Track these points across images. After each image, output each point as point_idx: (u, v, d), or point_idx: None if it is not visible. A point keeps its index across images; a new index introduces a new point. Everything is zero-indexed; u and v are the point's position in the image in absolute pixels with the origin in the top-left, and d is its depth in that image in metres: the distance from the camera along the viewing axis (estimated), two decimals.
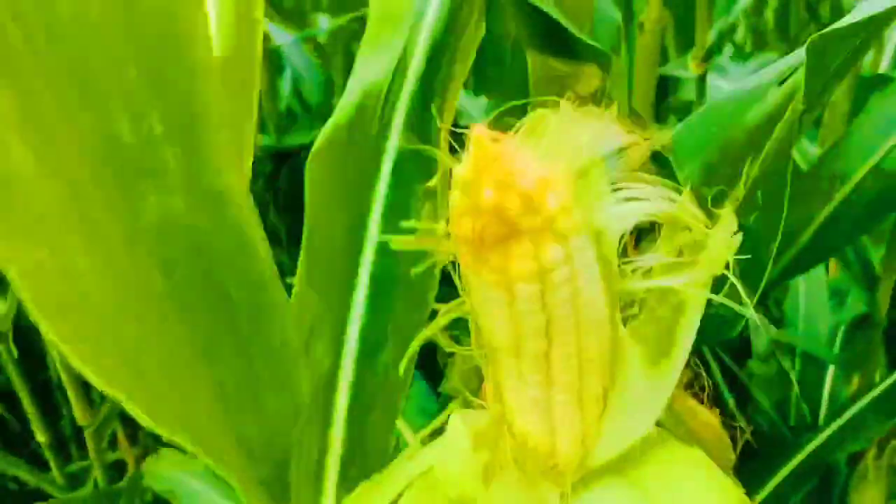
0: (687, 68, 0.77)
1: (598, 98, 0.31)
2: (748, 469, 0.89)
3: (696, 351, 0.71)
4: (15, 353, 1.05)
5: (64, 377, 1.03)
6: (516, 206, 0.17)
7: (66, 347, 0.18)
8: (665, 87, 0.92)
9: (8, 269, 0.16)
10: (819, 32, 0.32)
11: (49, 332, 0.17)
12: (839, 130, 0.84)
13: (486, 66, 0.43)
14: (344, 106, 0.31)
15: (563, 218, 0.18)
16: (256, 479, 0.25)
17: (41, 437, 1.08)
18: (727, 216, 0.24)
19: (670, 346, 0.25)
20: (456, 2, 0.30)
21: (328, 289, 0.29)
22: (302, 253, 0.31)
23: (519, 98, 0.26)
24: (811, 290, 0.95)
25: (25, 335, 1.21)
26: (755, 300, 0.33)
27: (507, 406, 0.25)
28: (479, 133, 0.16)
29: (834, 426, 0.80)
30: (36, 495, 1.19)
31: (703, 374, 0.27)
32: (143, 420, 0.22)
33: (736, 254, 0.24)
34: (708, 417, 0.27)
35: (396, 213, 0.30)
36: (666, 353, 0.25)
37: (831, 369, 0.94)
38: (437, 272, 0.27)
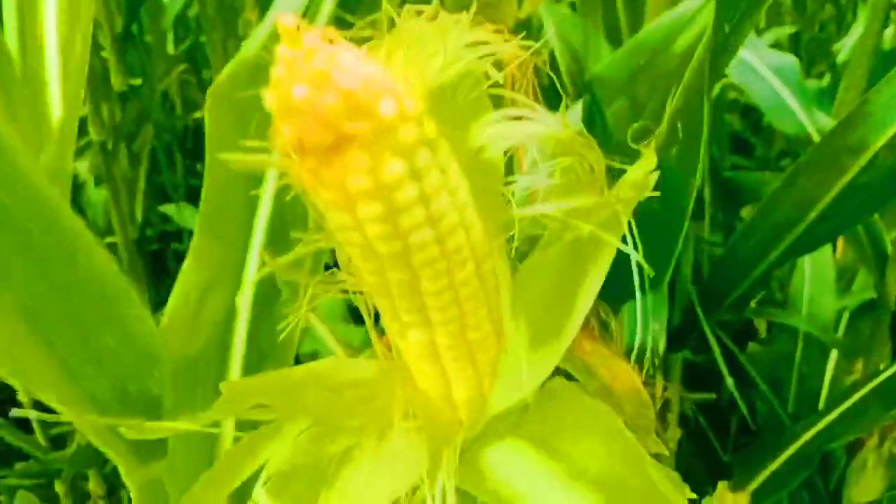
0: None
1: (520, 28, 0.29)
2: (747, 453, 0.87)
3: (699, 332, 0.68)
4: None
5: None
6: (337, 107, 0.15)
7: None
8: None
9: None
10: None
11: None
12: (854, 104, 0.79)
13: None
14: (252, 42, 0.29)
15: (404, 128, 0.16)
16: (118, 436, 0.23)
17: (23, 396, 1.09)
18: (649, 153, 0.22)
19: (575, 286, 0.23)
20: None
21: (227, 235, 0.27)
22: (202, 202, 0.29)
23: None
24: (817, 272, 0.91)
25: None
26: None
27: (398, 352, 0.23)
28: (285, 24, 0.14)
29: (835, 413, 0.77)
30: (18, 457, 1.21)
31: (613, 324, 0.25)
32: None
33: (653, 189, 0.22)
34: (624, 371, 0.25)
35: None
36: (570, 295, 0.22)
37: (834, 354, 0.91)
38: None
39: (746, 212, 0.89)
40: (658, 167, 0.22)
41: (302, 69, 0.15)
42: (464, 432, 0.24)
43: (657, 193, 0.22)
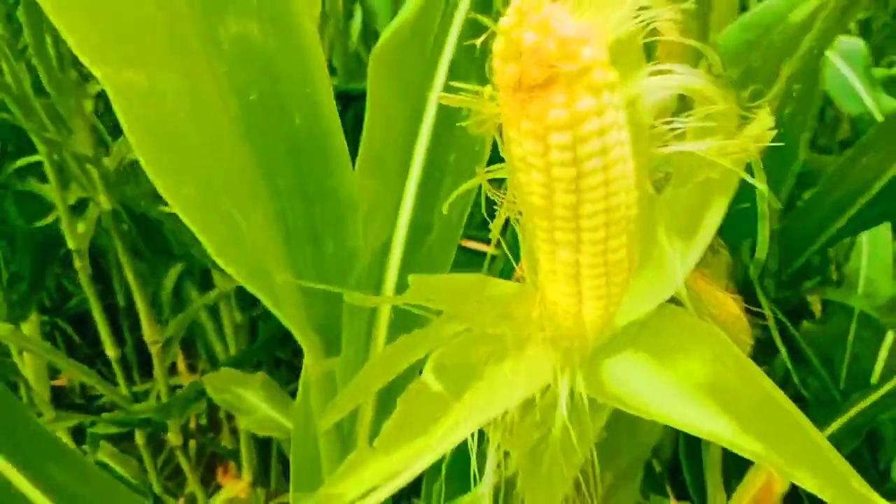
0: None
1: None
2: None
3: (752, 310, 0.72)
4: (90, 270, 1.13)
5: (137, 296, 1.11)
6: (554, 51, 0.19)
7: (148, 166, 0.21)
8: None
9: (107, 87, 0.19)
10: None
11: (136, 148, 0.20)
12: None
13: None
14: (408, 7, 0.33)
15: (596, 70, 0.20)
16: (311, 324, 0.28)
17: (111, 351, 1.16)
18: (764, 112, 0.26)
19: (698, 222, 0.27)
20: None
21: (384, 176, 0.31)
22: (362, 145, 0.33)
23: None
24: (875, 254, 0.93)
25: (96, 262, 1.30)
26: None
27: (540, 272, 0.28)
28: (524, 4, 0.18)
29: (883, 390, 0.79)
30: (103, 410, 1.29)
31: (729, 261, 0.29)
32: (210, 250, 0.25)
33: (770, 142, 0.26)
34: (728, 302, 0.29)
35: (450, 110, 0.32)
36: (693, 230, 0.27)
37: (889, 336, 0.92)
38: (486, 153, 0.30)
39: (807, 194, 0.91)
40: (774, 125, 0.26)
41: (530, 20, 0.19)
42: (590, 344, 0.28)
43: (776, 144, 0.25)
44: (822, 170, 0.73)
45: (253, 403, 0.82)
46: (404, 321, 0.31)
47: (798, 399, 0.98)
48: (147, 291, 1.14)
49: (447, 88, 0.32)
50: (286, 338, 1.28)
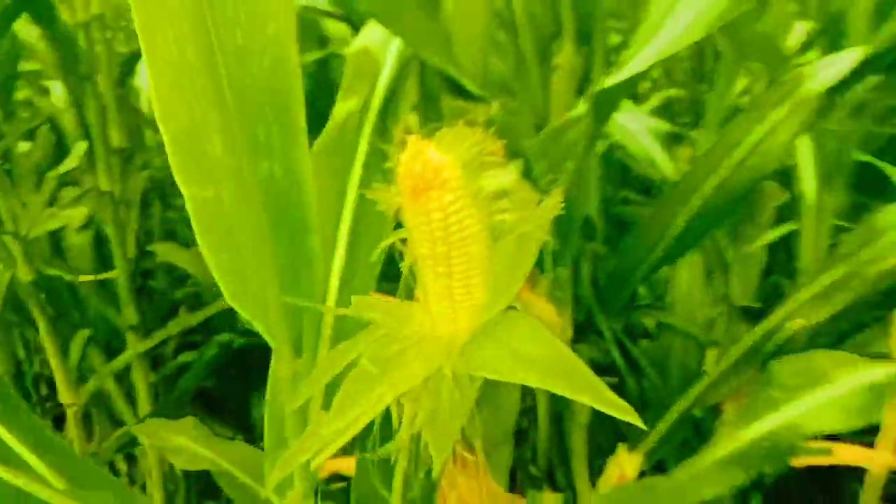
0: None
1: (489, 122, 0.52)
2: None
3: (598, 330, 0.94)
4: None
5: (54, 360, 1.18)
6: (430, 173, 0.36)
7: (209, 255, 0.36)
8: None
9: (187, 201, 0.34)
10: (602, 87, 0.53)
11: (202, 245, 0.35)
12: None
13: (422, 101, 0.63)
14: (332, 123, 0.50)
15: (452, 180, 0.38)
16: (287, 341, 0.43)
17: None
18: (556, 192, 0.45)
19: (521, 260, 0.45)
20: (400, 68, 0.50)
21: (325, 236, 0.48)
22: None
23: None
24: (690, 281, 1.18)
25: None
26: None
27: (428, 295, 0.45)
28: (412, 138, 0.36)
29: (699, 386, 1.02)
30: None
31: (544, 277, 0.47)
32: (225, 292, 0.41)
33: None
34: (545, 306, 0.47)
35: (364, 186, 0.49)
36: (518, 264, 0.45)
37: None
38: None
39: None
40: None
41: (417, 158, 0.36)
42: (462, 338, 0.45)
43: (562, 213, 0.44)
44: (635, 219, 0.95)
45: (184, 444, 0.93)
46: (342, 333, 0.46)
47: (643, 402, 1.20)
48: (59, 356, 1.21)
49: (363, 178, 0.50)
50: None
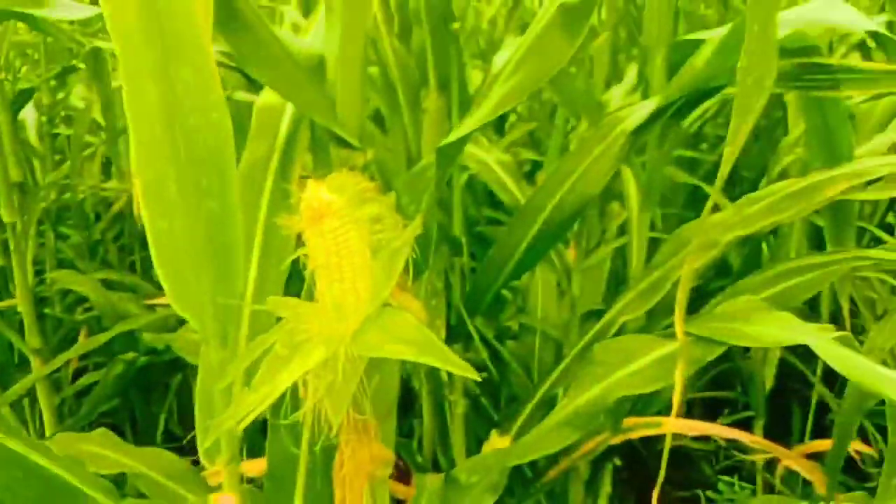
0: None
1: (366, 166, 0.68)
2: (508, 411, 1.30)
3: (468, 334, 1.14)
4: None
5: None
6: (322, 206, 0.52)
7: (160, 269, 0.50)
8: None
9: (148, 230, 0.47)
10: (446, 143, 0.72)
11: (157, 263, 0.49)
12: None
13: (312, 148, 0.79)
14: (243, 164, 0.65)
15: (339, 210, 0.54)
16: (216, 334, 0.57)
17: None
18: (417, 219, 0.62)
19: (393, 267, 0.61)
20: (294, 124, 0.66)
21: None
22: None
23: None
24: (545, 289, 1.39)
25: None
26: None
27: (324, 296, 0.60)
28: (310, 181, 0.52)
29: (552, 377, 1.22)
30: None
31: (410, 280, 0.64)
32: (171, 301, 0.55)
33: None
34: (413, 303, 0.64)
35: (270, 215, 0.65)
36: (391, 271, 0.61)
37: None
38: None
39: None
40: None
41: (313, 196, 0.52)
42: (352, 327, 0.61)
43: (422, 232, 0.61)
44: (494, 236, 1.14)
45: (98, 451, 1.02)
46: (257, 328, 0.61)
47: (511, 394, 1.40)
48: None
49: (269, 208, 0.65)
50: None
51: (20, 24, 1.52)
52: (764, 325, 0.81)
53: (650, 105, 1.06)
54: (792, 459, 1.26)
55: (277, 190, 0.66)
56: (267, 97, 0.71)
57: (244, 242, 0.55)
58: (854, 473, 1.60)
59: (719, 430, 1.23)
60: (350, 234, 0.56)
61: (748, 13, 0.65)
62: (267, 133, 0.68)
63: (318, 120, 0.65)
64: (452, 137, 0.71)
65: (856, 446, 1.35)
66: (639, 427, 1.18)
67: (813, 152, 1.16)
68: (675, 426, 1.20)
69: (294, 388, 0.60)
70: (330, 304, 0.60)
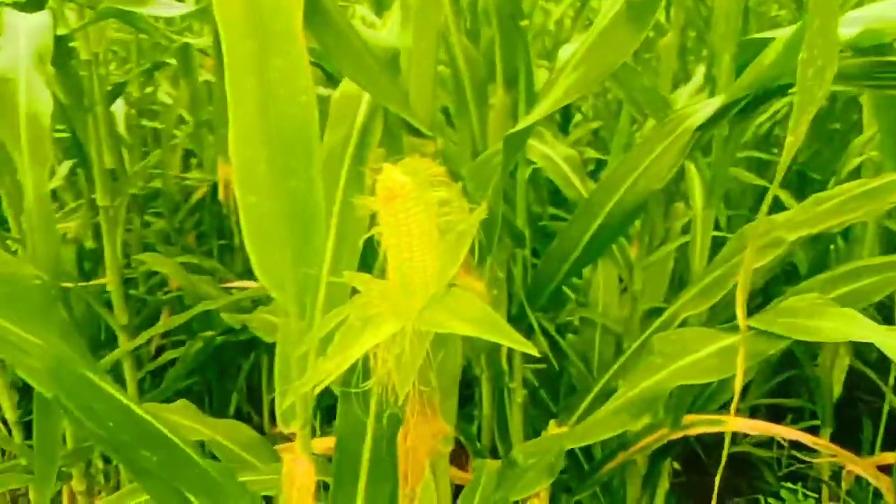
0: None
1: (437, 154, 0.72)
2: (567, 403, 1.32)
3: (529, 325, 1.17)
4: None
5: None
6: (395, 187, 0.56)
7: (248, 241, 0.55)
8: None
9: (240, 204, 0.53)
10: (514, 131, 0.75)
11: (246, 235, 0.54)
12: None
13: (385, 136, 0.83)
14: (323, 149, 0.70)
15: (410, 192, 0.58)
16: (296, 303, 0.62)
17: None
18: (483, 205, 0.66)
19: (459, 248, 0.65)
20: (370, 113, 0.70)
21: None
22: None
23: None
24: (606, 283, 1.41)
25: None
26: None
27: (395, 273, 0.65)
28: (386, 165, 0.56)
29: (614, 368, 1.23)
30: None
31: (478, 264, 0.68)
32: (257, 272, 0.60)
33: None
34: (476, 284, 0.68)
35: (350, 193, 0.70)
36: (457, 252, 0.65)
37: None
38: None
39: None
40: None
41: (387, 178, 0.56)
42: (419, 304, 0.65)
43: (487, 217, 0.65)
44: (556, 231, 1.17)
45: (179, 420, 1.09)
46: (332, 302, 0.65)
47: (571, 386, 1.41)
48: None
49: (345, 190, 0.70)
50: None
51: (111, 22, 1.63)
52: (828, 321, 0.81)
53: (715, 102, 1.06)
54: (859, 466, 1.24)
55: (354, 172, 0.70)
56: (345, 88, 0.76)
57: (324, 220, 0.59)
58: None
59: (782, 431, 1.22)
60: (420, 215, 0.60)
61: (810, 6, 0.66)
62: (345, 120, 0.72)
63: (392, 108, 0.70)
64: (520, 126, 0.74)
65: None
66: (699, 423, 1.18)
67: (886, 152, 1.14)
68: (736, 424, 1.20)
69: (365, 360, 0.65)
70: (400, 282, 0.64)
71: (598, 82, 0.78)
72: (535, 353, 0.60)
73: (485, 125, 1.23)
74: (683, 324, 1.17)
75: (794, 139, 0.69)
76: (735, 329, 0.89)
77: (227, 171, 1.64)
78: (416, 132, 0.69)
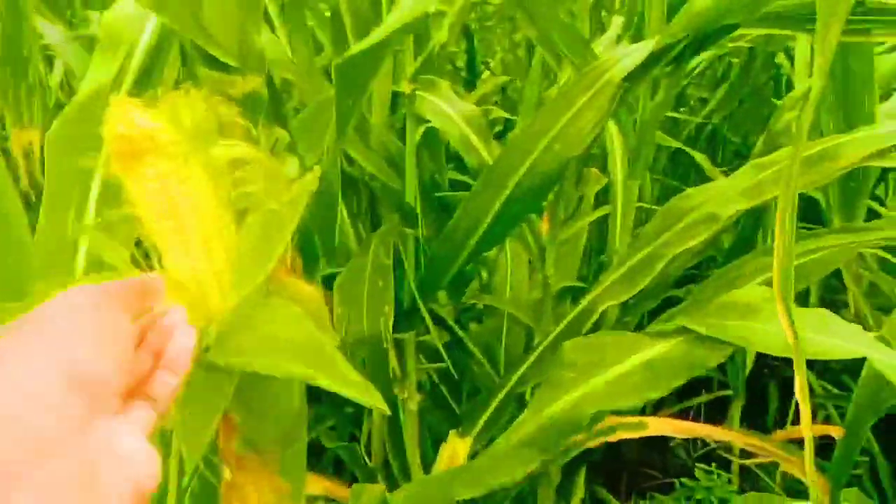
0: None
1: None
2: (470, 406, 1.12)
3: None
4: None
5: None
6: (139, 135, 0.33)
7: None
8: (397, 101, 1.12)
9: None
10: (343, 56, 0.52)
11: None
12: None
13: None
14: (76, 99, 0.46)
15: (169, 146, 0.35)
16: None
17: None
18: (315, 171, 0.43)
19: (273, 238, 0.42)
20: (161, 38, 0.46)
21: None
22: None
23: None
24: (515, 266, 1.21)
25: None
26: None
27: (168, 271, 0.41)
28: (118, 99, 0.33)
29: (522, 368, 1.04)
30: None
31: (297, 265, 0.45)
32: None
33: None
34: (310, 291, 0.45)
35: None
36: (269, 243, 0.42)
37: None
38: None
39: None
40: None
41: (120, 116, 0.33)
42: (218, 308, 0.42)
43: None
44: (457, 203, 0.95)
45: None
46: None
47: (474, 385, 1.22)
48: None
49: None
50: None
51: None
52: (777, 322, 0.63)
53: (645, 49, 0.87)
54: (768, 449, 1.10)
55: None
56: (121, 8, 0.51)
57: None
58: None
59: (711, 431, 1.07)
60: (195, 184, 0.37)
61: None
62: (116, 52, 0.48)
63: (181, 31, 0.46)
64: (359, 47, 0.51)
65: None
66: (621, 428, 1.01)
67: (826, 111, 0.97)
68: (660, 427, 1.03)
69: None
70: (175, 289, 0.41)
71: None
72: (386, 410, 0.39)
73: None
74: (602, 317, 0.99)
75: (817, 89, 0.50)
76: (665, 334, 0.70)
77: None
78: (217, 63, 0.46)
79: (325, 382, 0.38)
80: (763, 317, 0.66)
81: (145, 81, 0.48)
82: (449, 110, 1.00)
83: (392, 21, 0.52)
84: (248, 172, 0.39)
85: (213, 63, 0.45)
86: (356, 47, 0.51)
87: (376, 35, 0.52)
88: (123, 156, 0.34)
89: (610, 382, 0.67)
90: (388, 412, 0.38)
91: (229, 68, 0.45)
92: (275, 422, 0.55)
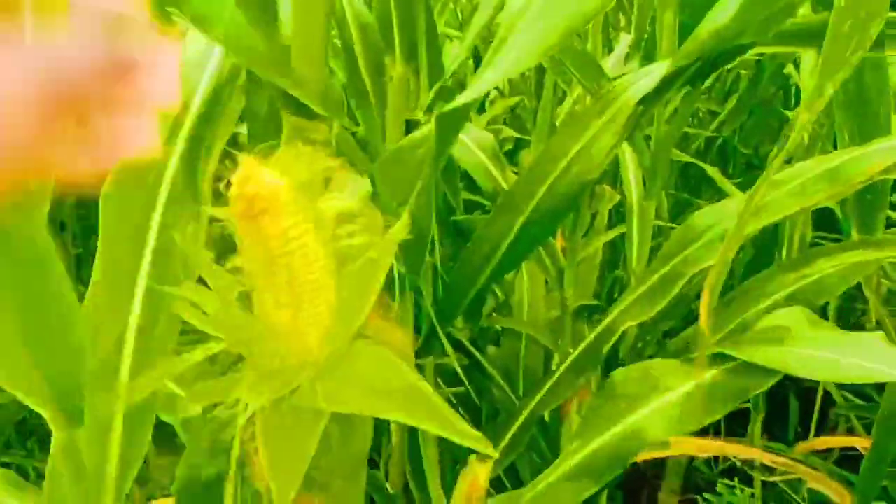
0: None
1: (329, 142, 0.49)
2: (489, 430, 1.12)
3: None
4: None
5: None
6: (260, 195, 0.33)
7: None
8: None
9: None
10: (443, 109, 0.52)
11: None
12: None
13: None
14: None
15: (287, 204, 0.35)
16: (57, 407, 0.38)
17: None
18: (405, 218, 0.43)
19: (370, 285, 0.42)
20: (220, 85, 0.46)
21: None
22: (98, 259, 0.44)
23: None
24: (532, 286, 1.21)
25: None
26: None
27: (270, 326, 0.41)
28: (245, 158, 0.33)
29: (543, 389, 1.04)
30: None
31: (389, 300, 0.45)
32: None
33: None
34: (396, 333, 0.45)
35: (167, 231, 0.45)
36: (366, 290, 0.42)
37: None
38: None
39: None
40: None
41: (247, 181, 0.33)
42: (312, 362, 0.42)
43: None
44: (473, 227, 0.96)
45: None
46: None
47: (494, 408, 1.22)
48: None
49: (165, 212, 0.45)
50: None
51: None
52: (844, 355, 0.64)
53: (659, 70, 0.89)
54: (790, 464, 1.12)
55: (184, 182, 0.46)
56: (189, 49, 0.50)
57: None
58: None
59: (734, 450, 1.09)
60: (308, 238, 0.37)
61: None
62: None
63: (262, 73, 0.46)
64: (459, 102, 0.51)
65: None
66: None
67: (841, 124, 1.00)
68: (685, 447, 1.04)
69: None
70: (280, 337, 0.41)
71: (566, 37, 0.57)
72: (492, 453, 0.39)
73: (383, 103, 1.00)
74: (622, 337, 1.00)
75: (808, 115, 0.52)
76: (709, 361, 0.72)
77: None
78: (302, 109, 0.45)
79: (434, 429, 0.38)
80: (801, 341, 0.68)
81: (203, 133, 0.47)
82: (463, 138, 1.01)
83: (490, 77, 0.52)
84: (353, 223, 0.39)
85: (297, 108, 0.44)
86: (460, 99, 0.51)
87: (473, 90, 0.52)
88: (246, 212, 0.34)
89: (660, 410, 0.68)
90: (496, 456, 0.38)
91: (311, 112, 0.45)
92: (347, 458, 0.55)
